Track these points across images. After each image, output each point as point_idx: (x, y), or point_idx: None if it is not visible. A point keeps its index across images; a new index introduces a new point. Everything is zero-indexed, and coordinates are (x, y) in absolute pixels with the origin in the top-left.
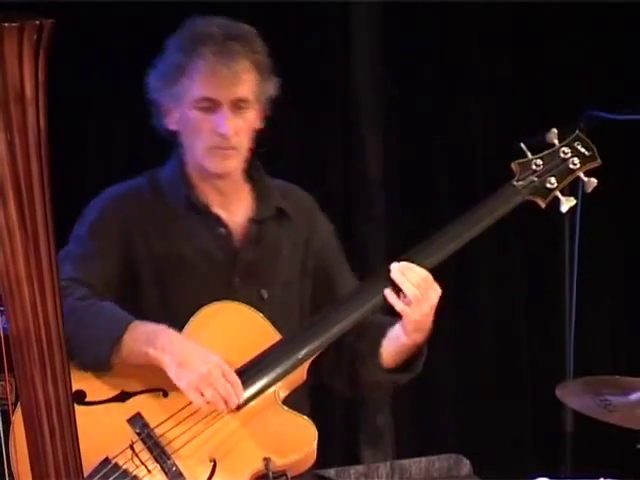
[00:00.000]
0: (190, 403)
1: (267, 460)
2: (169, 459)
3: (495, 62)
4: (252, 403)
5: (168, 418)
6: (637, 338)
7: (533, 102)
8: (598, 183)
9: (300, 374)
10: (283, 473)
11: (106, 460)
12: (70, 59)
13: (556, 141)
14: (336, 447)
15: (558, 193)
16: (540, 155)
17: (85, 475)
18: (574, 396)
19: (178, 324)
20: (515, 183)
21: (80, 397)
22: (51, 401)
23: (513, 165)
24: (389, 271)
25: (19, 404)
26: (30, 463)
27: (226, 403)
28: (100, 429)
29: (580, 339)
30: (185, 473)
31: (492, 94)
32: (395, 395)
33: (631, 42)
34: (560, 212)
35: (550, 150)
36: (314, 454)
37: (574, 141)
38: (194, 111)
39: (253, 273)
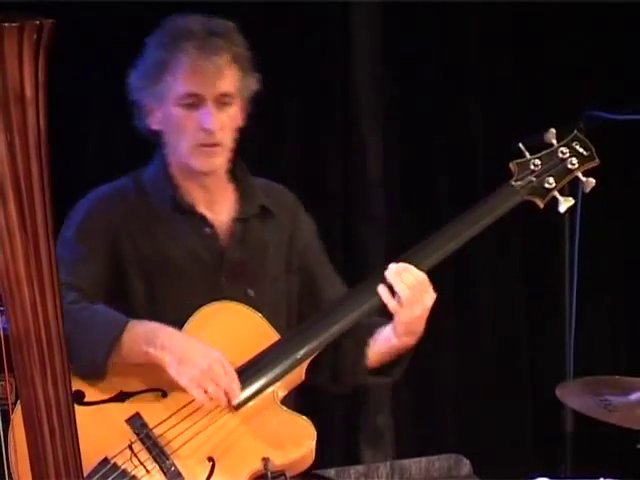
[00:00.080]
0: (189, 403)
1: (266, 460)
2: (168, 459)
3: (495, 62)
4: (251, 403)
5: (167, 418)
6: (637, 338)
7: (533, 102)
8: (598, 183)
9: (299, 374)
10: (282, 473)
11: (105, 460)
12: (70, 59)
13: (554, 141)
14: (336, 447)
15: (556, 193)
16: (538, 155)
17: (84, 475)
18: (574, 396)
19: (165, 324)
20: (513, 183)
21: (79, 397)
22: (51, 401)
23: (511, 165)
24: (384, 270)
25: (18, 404)
26: (30, 463)
27: (228, 398)
28: (99, 429)
29: (580, 339)
30: (184, 473)
31: (492, 94)
32: (395, 395)
33: (631, 42)
34: (560, 212)
35: (548, 150)
36: (313, 454)
37: (572, 141)
38: (178, 108)
39: (239, 272)
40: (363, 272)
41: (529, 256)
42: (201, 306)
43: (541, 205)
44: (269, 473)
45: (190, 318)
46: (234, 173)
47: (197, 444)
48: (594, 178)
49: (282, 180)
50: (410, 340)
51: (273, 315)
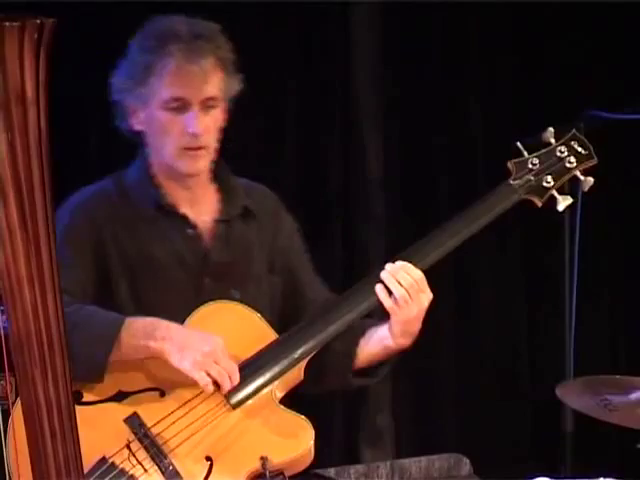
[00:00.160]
0: (187, 402)
1: (264, 459)
2: (166, 458)
3: (495, 62)
4: (249, 402)
5: (164, 417)
6: (637, 338)
7: (533, 102)
8: (598, 183)
9: (297, 374)
10: (280, 472)
11: (103, 459)
12: (71, 59)
13: (552, 140)
14: (336, 447)
15: (555, 192)
16: (536, 154)
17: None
18: (574, 396)
19: None
20: (511, 182)
21: (77, 397)
22: (52, 402)
23: (509, 164)
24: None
25: (17, 403)
26: (31, 464)
27: (230, 379)
28: (97, 429)
29: (580, 339)
30: (182, 472)
31: (492, 94)
32: (395, 395)
33: (631, 42)
34: (559, 211)
35: (546, 149)
36: (311, 453)
37: (570, 140)
38: (163, 112)
39: (223, 273)
40: (363, 272)
41: (529, 256)
42: (186, 307)
43: (539, 204)
44: (267, 472)
45: (188, 318)
46: (216, 174)
47: (195, 443)
48: (594, 178)
49: (282, 180)
50: (406, 341)
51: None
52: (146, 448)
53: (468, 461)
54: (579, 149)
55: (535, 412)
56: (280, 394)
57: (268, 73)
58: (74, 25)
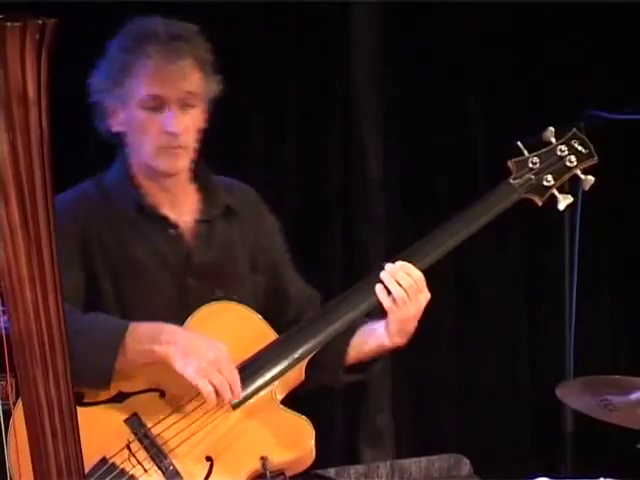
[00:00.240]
0: (187, 402)
1: (264, 459)
2: (166, 458)
3: (495, 62)
4: (249, 402)
5: (165, 418)
6: (637, 338)
7: (533, 102)
8: (598, 182)
9: (298, 374)
10: (281, 472)
11: (103, 460)
12: (72, 59)
13: (553, 139)
14: (336, 447)
15: (555, 191)
16: (537, 153)
17: None
18: (574, 396)
19: None
20: (512, 181)
21: (78, 398)
22: (53, 402)
23: (509, 163)
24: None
25: (18, 403)
26: (32, 464)
27: (231, 390)
28: (97, 429)
29: (580, 339)
30: (182, 472)
31: (492, 94)
32: (395, 395)
33: (631, 42)
34: (560, 211)
35: (547, 148)
36: (312, 454)
37: (571, 139)
38: (141, 111)
39: (207, 273)
40: (363, 272)
41: (529, 256)
42: (170, 308)
43: (539, 203)
44: (267, 472)
45: (189, 318)
46: (196, 174)
47: (195, 443)
48: (594, 177)
49: (282, 180)
50: (401, 340)
51: None
52: (146, 448)
53: (468, 461)
54: (579, 148)
55: (535, 412)
56: (281, 394)
57: (268, 73)
58: (75, 25)
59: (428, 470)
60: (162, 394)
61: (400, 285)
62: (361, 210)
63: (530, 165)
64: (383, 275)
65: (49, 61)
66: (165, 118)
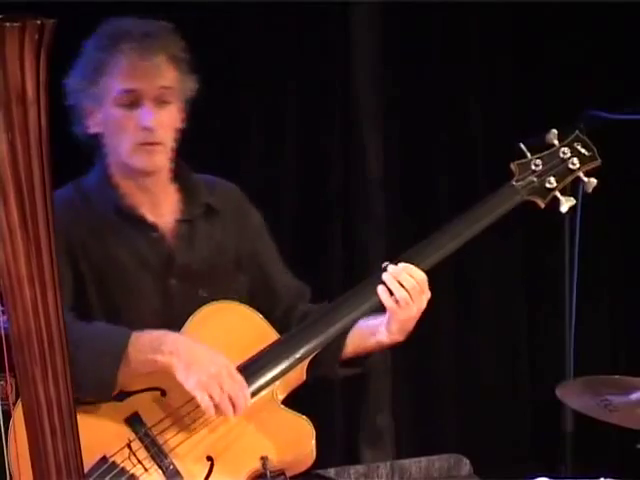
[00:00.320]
0: (188, 402)
1: (264, 459)
2: (166, 458)
3: (495, 62)
4: (250, 402)
5: (165, 417)
6: (637, 338)
7: (533, 102)
8: (598, 183)
9: (299, 374)
10: (281, 472)
11: (103, 459)
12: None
13: (556, 141)
14: (336, 447)
15: (557, 193)
16: (540, 155)
17: None
18: (574, 396)
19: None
20: (514, 183)
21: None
22: (52, 401)
23: (512, 165)
24: (387, 270)
25: (18, 403)
26: (31, 462)
27: (234, 406)
28: (98, 428)
29: (580, 339)
30: (182, 472)
31: (492, 94)
32: (395, 395)
33: (631, 42)
34: (560, 212)
35: (550, 150)
36: (313, 454)
37: (574, 141)
38: (117, 109)
39: (189, 274)
40: (363, 272)
41: (529, 256)
42: (154, 310)
43: (542, 205)
44: (268, 472)
45: (190, 317)
46: (176, 173)
47: (196, 443)
48: (594, 178)
49: (282, 180)
50: (400, 338)
51: None
52: (147, 447)
53: (468, 461)
54: (582, 150)
55: (535, 412)
56: (282, 394)
57: (268, 73)
58: (74, 25)
59: (428, 470)
60: (163, 393)
61: (403, 286)
62: (361, 210)
63: (533, 167)
64: (385, 276)
65: (48, 61)
66: (141, 114)
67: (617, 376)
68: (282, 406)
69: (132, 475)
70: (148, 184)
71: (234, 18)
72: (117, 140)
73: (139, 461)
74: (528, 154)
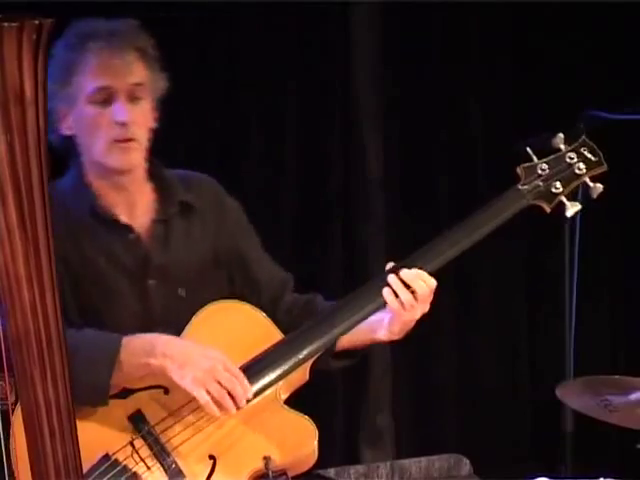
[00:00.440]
0: (191, 400)
1: (267, 459)
2: (169, 456)
3: (495, 62)
4: (253, 402)
5: (169, 415)
6: (637, 338)
7: (533, 102)
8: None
9: (302, 374)
10: (283, 472)
11: (106, 456)
12: None
13: (562, 146)
14: (336, 447)
15: (563, 198)
16: (546, 159)
17: (85, 470)
18: (574, 396)
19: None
20: (520, 187)
21: None
22: (51, 401)
23: (518, 169)
24: (394, 273)
25: (19, 404)
26: (30, 463)
27: (232, 398)
28: (101, 425)
29: (580, 339)
30: (185, 470)
31: (492, 94)
32: (395, 395)
33: (631, 42)
34: (561, 213)
35: (556, 155)
36: (315, 454)
37: (580, 146)
38: (90, 107)
39: (167, 273)
40: (363, 272)
41: (529, 256)
42: (132, 312)
43: (548, 210)
44: (270, 472)
45: (193, 317)
46: (151, 172)
47: (198, 442)
48: (599, 183)
49: (282, 180)
50: (399, 336)
51: None
52: (149, 445)
53: (468, 461)
54: (589, 156)
55: (535, 412)
56: (285, 394)
57: (268, 73)
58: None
59: (428, 470)
60: (166, 391)
61: (409, 290)
62: (361, 210)
63: (539, 171)
64: (391, 279)
65: (46, 61)
66: (114, 109)
67: (617, 376)
68: (285, 406)
69: (134, 473)
70: (124, 183)
71: (234, 18)
72: (91, 139)
73: (141, 459)
74: (534, 158)
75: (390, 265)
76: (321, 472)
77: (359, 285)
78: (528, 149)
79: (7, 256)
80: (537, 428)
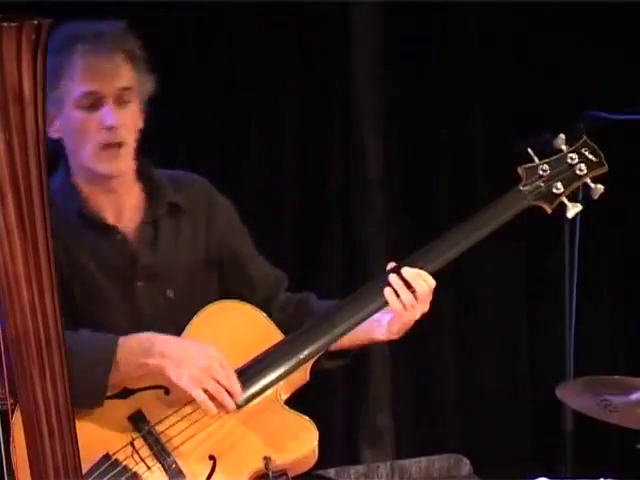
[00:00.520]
0: (191, 400)
1: (267, 459)
2: (169, 456)
3: (495, 62)
4: (253, 402)
5: (169, 415)
6: (637, 338)
7: (533, 102)
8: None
9: (303, 374)
10: (283, 472)
11: (106, 456)
12: None
13: (563, 147)
14: (336, 447)
15: (564, 199)
16: (547, 160)
17: (85, 470)
18: (574, 396)
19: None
20: (521, 188)
21: None
22: (50, 401)
23: (519, 170)
24: (395, 273)
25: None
26: (29, 463)
27: (230, 395)
28: (101, 425)
29: (580, 339)
30: (185, 471)
31: (492, 94)
32: (395, 395)
33: (631, 42)
34: (562, 214)
35: (557, 156)
36: (315, 454)
37: (582, 147)
38: (78, 111)
39: (155, 275)
40: (363, 272)
41: (529, 256)
42: (121, 314)
43: (549, 211)
44: (270, 472)
45: (193, 317)
46: (140, 171)
47: (198, 442)
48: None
49: (282, 180)
50: (397, 335)
51: (194, 311)
52: (150, 445)
53: (468, 461)
54: (590, 156)
55: (535, 412)
56: (285, 395)
57: (268, 73)
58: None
59: (428, 470)
60: (167, 391)
61: (410, 290)
62: (361, 210)
63: (540, 172)
64: (392, 279)
65: (45, 61)
66: (102, 114)
67: (617, 376)
68: (285, 406)
69: (134, 473)
70: (112, 186)
71: (234, 18)
72: (79, 144)
73: (142, 459)
74: (536, 159)
75: (391, 265)
76: (321, 472)
77: (359, 285)
78: (529, 150)
79: (6, 256)
80: (537, 428)
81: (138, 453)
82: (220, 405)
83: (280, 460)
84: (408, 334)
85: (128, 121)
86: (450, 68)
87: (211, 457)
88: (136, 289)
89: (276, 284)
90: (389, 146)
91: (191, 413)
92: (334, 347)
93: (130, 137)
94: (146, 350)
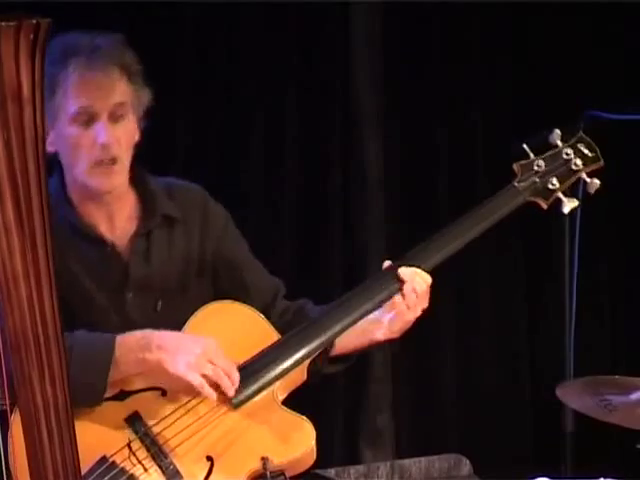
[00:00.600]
0: (188, 401)
1: (265, 459)
2: (166, 458)
3: (495, 62)
4: (250, 402)
5: (166, 417)
6: (637, 339)
7: (533, 102)
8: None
9: (300, 374)
10: (281, 473)
11: (103, 458)
12: None
13: (559, 142)
14: (336, 447)
15: (560, 194)
16: (542, 156)
17: (82, 473)
18: (574, 396)
19: None
20: (517, 184)
21: None
22: (49, 402)
23: (515, 166)
24: (392, 272)
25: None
26: (28, 465)
27: (229, 377)
28: (98, 427)
29: (580, 339)
30: (182, 472)
31: (492, 94)
32: (395, 395)
33: (631, 42)
34: (560, 212)
35: (553, 151)
36: (313, 454)
37: (577, 142)
38: (72, 127)
39: (146, 286)
40: (363, 272)
41: (529, 256)
42: (112, 325)
43: (545, 206)
44: (268, 473)
45: (190, 318)
46: (134, 180)
47: (196, 443)
48: (596, 179)
49: (282, 180)
50: (398, 334)
51: (185, 322)
52: (147, 447)
53: (468, 461)
54: (586, 151)
55: (535, 412)
56: (282, 395)
57: (268, 73)
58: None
59: (428, 470)
60: (163, 393)
61: (416, 292)
62: (361, 210)
63: (535, 168)
64: (402, 273)
65: (43, 60)
66: (96, 130)
67: (617, 376)
68: (282, 406)
69: (132, 475)
70: (106, 200)
71: (234, 18)
72: (73, 159)
73: (139, 461)
74: (531, 155)
75: (387, 263)
76: (321, 472)
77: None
78: (524, 146)
79: (4, 253)
80: (537, 428)
81: (135, 455)
82: (220, 391)
83: (278, 460)
84: (408, 334)
85: (122, 137)
86: (450, 68)
87: (208, 458)
88: (126, 300)
89: (273, 292)
90: (389, 146)
91: (188, 414)
92: (335, 352)
93: (124, 153)
94: (143, 346)
